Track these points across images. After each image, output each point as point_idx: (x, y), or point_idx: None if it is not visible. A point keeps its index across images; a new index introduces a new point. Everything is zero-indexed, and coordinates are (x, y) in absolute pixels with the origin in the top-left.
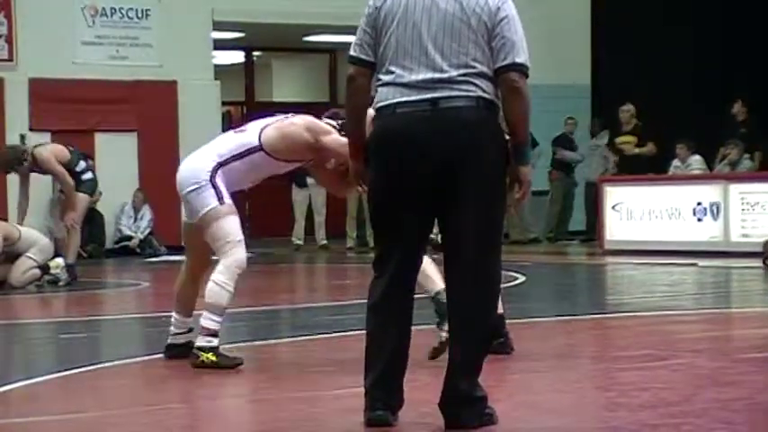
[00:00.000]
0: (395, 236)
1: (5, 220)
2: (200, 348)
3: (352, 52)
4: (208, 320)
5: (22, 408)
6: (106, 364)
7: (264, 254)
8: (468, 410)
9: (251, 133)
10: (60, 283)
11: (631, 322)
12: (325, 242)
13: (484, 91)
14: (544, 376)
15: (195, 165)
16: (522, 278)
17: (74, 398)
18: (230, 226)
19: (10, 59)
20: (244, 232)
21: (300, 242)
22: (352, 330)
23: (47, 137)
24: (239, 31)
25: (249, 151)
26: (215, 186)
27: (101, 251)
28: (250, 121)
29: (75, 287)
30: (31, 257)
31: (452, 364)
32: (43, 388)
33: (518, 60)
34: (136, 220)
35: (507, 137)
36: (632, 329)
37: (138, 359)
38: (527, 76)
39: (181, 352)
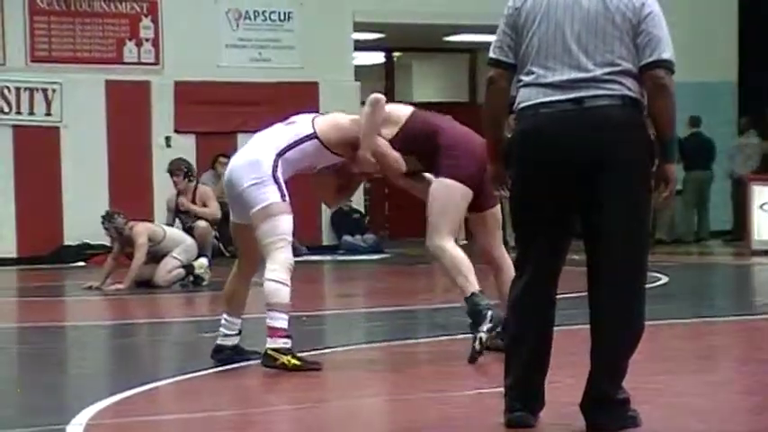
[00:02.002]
0: (536, 236)
1: (151, 221)
2: (277, 350)
3: (492, 54)
4: (277, 321)
5: (168, 405)
6: (245, 363)
7: (402, 254)
8: (610, 412)
9: (303, 124)
10: (204, 283)
11: None
12: (465, 242)
13: (629, 89)
14: (687, 378)
15: (254, 158)
16: (665, 279)
17: (216, 396)
18: (287, 225)
19: (156, 63)
20: (383, 233)
21: None
22: None
23: (191, 139)
24: (380, 32)
25: (302, 140)
26: (277, 182)
27: None
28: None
29: (217, 287)
30: (175, 257)
31: (596, 365)
32: (186, 386)
33: (664, 57)
34: None
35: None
36: None
37: None
38: (673, 73)
39: (229, 355)
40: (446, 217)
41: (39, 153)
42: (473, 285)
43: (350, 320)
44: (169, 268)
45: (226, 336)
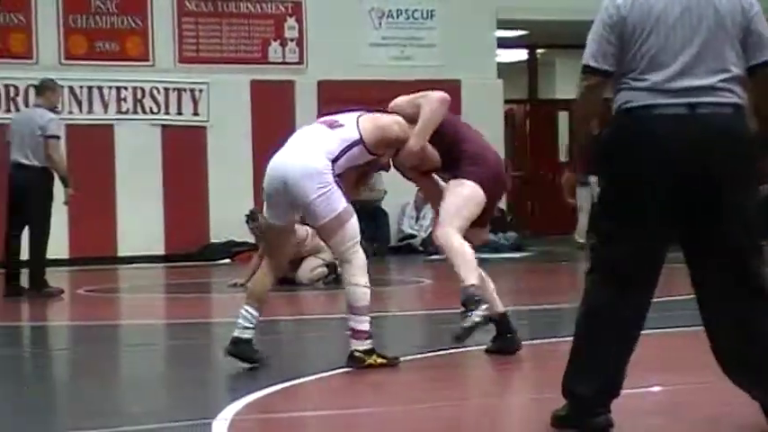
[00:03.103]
0: (633, 240)
1: None
2: (365, 352)
3: (593, 63)
4: (361, 323)
5: (313, 401)
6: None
7: (545, 252)
8: None
9: (350, 127)
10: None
11: None
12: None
13: (739, 97)
14: None
15: (312, 168)
16: None
17: (357, 393)
18: (355, 228)
19: (300, 63)
20: (525, 231)
21: (583, 240)
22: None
23: None
24: (523, 29)
25: (351, 146)
26: (339, 186)
27: (385, 249)
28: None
29: None
30: (319, 258)
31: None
32: (330, 383)
33: None
34: (418, 219)
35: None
36: None
37: (418, 356)
38: None
39: (245, 349)
40: (461, 213)
41: (186, 152)
42: (474, 278)
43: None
44: (312, 266)
45: (244, 328)
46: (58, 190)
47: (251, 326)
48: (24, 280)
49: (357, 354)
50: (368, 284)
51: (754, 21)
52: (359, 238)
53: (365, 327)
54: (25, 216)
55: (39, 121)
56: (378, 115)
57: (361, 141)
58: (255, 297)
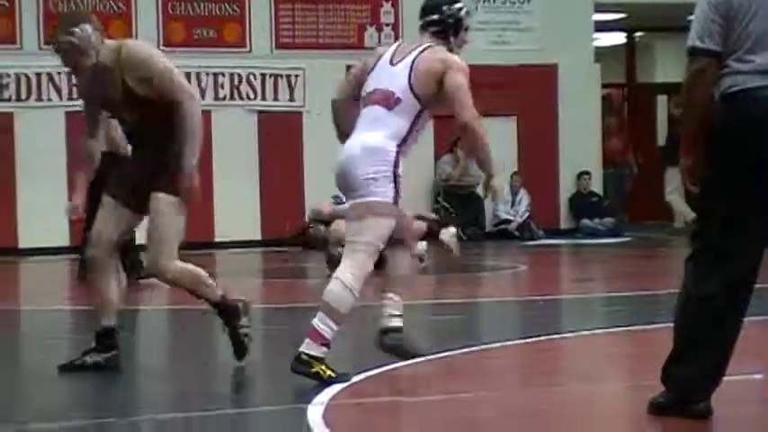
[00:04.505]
0: (740, 227)
1: None
2: (315, 358)
3: (699, 44)
4: (327, 329)
5: (407, 387)
6: (485, 346)
7: (643, 238)
8: None
9: (408, 101)
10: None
11: None
12: None
13: None
14: None
15: (375, 146)
16: None
17: (456, 378)
18: (387, 232)
19: None
20: (622, 216)
21: (680, 225)
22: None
23: (430, 122)
24: (622, 12)
25: (415, 120)
26: (396, 181)
27: (480, 234)
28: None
29: (453, 269)
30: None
31: None
32: (425, 368)
33: None
34: (513, 204)
35: None
36: None
37: (513, 342)
38: None
39: (395, 340)
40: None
41: (282, 138)
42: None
43: (588, 305)
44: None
45: (393, 316)
46: None
47: (398, 313)
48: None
49: (305, 356)
50: (357, 292)
51: None
52: (382, 246)
53: (329, 334)
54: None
55: None
56: (426, 70)
57: (422, 109)
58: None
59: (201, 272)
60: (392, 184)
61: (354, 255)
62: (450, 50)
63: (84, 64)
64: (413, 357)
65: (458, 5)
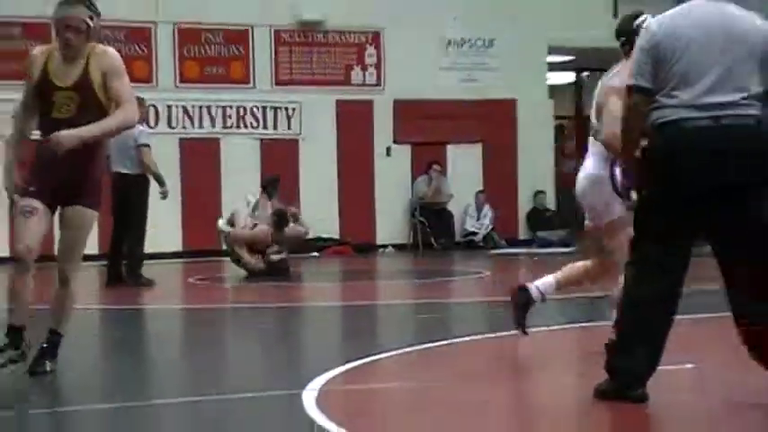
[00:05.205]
0: (672, 237)
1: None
2: None
3: (635, 82)
4: None
5: (389, 375)
6: (459, 339)
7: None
8: None
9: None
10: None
11: None
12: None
13: (757, 111)
14: None
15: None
16: None
17: (430, 367)
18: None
19: (378, 85)
20: (573, 229)
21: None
22: None
23: (408, 148)
24: (571, 55)
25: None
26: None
27: (451, 244)
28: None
29: (426, 276)
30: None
31: None
32: (409, 357)
33: None
34: (479, 218)
35: None
36: None
37: (479, 336)
38: None
39: None
40: None
41: (281, 161)
42: None
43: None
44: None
45: None
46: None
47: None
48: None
49: None
50: None
51: None
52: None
53: None
54: (126, 217)
55: (132, 134)
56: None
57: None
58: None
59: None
60: None
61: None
62: None
63: (76, 47)
64: None
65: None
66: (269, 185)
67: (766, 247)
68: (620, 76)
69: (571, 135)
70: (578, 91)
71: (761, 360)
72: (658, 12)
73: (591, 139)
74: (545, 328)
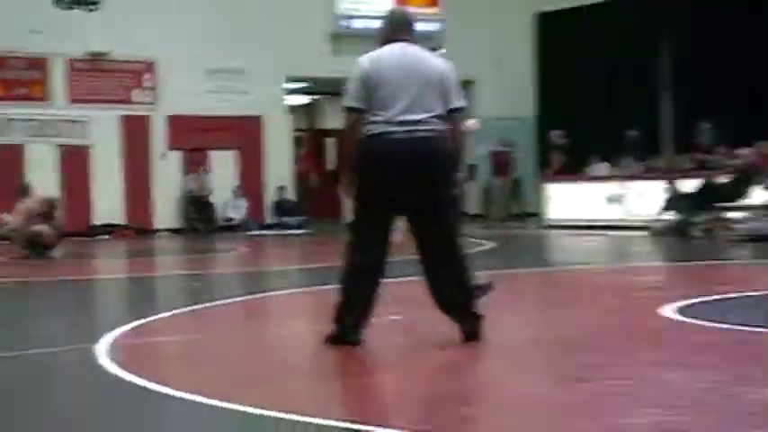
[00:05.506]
0: (381, 223)
1: None
2: None
3: (351, 103)
4: None
5: (168, 330)
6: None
7: (320, 230)
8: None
9: None
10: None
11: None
12: None
13: (440, 126)
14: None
15: None
16: (492, 244)
17: (201, 324)
18: None
19: (153, 103)
20: (308, 216)
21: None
22: None
23: (180, 154)
24: (305, 82)
25: None
26: None
27: (214, 228)
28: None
29: (194, 253)
30: None
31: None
32: (180, 318)
33: (460, 105)
34: (236, 207)
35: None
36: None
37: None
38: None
39: None
40: None
41: (75, 165)
42: None
43: (287, 274)
44: None
45: None
46: None
47: None
48: None
49: None
50: None
51: (448, 80)
52: None
53: None
54: None
55: None
56: None
57: None
58: None
59: None
60: None
61: None
62: None
63: None
64: None
65: None
66: (22, 189)
67: (448, 234)
68: None
69: (305, 143)
70: (311, 110)
71: (443, 312)
72: (369, 50)
73: None
74: (290, 291)
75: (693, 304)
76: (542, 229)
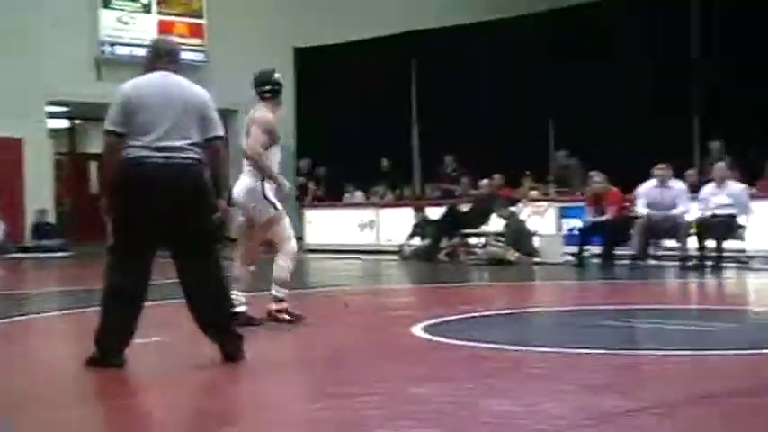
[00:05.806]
0: (137, 245)
1: None
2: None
3: (110, 127)
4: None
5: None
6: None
7: (83, 252)
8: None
9: None
10: None
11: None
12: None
13: (198, 154)
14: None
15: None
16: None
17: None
18: None
19: None
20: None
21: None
22: None
23: None
24: (66, 106)
25: None
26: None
27: None
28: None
29: None
30: None
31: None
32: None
33: (218, 134)
34: None
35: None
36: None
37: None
38: (224, 143)
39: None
40: None
41: None
42: None
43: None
44: None
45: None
46: None
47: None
48: None
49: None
50: None
51: (207, 109)
52: None
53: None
54: None
55: None
56: None
57: None
58: None
59: None
60: None
61: None
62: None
63: None
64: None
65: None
66: None
67: (206, 256)
68: (259, 111)
69: (66, 167)
70: (73, 134)
71: (204, 332)
72: (132, 76)
73: (244, 160)
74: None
75: (441, 323)
76: (301, 253)
